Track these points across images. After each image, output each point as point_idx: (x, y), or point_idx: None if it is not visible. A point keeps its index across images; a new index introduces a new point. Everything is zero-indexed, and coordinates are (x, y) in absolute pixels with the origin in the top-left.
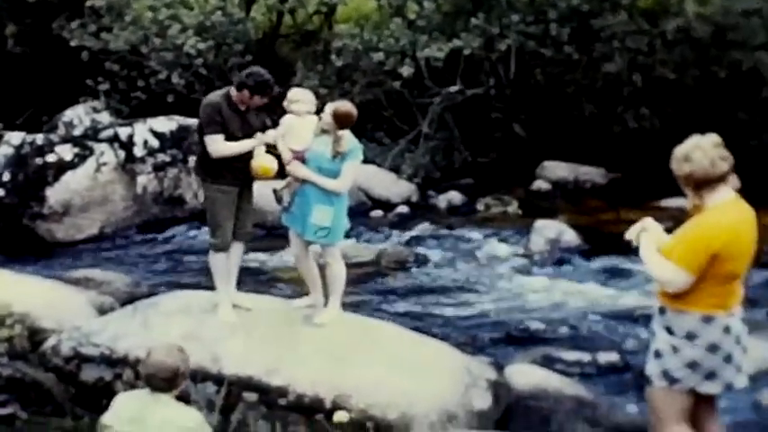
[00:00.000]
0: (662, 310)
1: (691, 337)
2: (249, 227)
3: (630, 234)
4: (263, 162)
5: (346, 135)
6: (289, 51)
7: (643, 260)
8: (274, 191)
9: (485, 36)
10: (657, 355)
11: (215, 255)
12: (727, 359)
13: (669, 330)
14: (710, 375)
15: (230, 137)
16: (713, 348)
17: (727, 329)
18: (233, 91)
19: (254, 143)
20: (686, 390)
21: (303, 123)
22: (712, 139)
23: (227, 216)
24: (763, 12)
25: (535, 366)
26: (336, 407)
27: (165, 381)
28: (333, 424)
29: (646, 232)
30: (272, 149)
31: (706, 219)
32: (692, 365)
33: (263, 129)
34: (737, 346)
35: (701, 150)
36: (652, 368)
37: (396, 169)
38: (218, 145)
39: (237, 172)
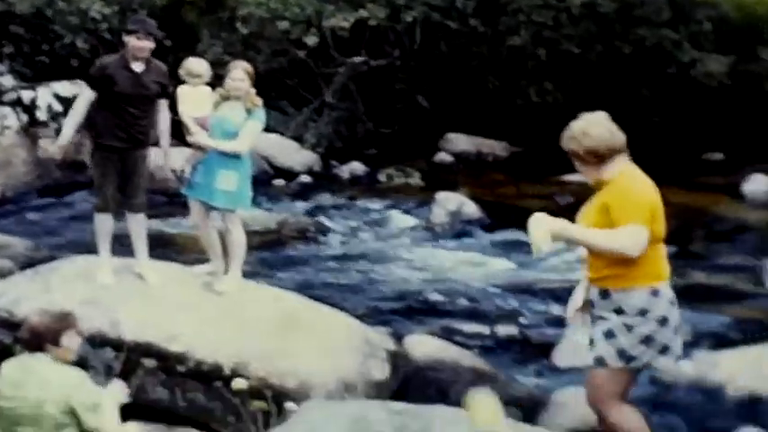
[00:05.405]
0: (604, 294)
1: (643, 312)
2: (140, 197)
3: (541, 243)
4: None
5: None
6: (194, 18)
7: (583, 243)
8: (174, 173)
9: (390, 7)
10: (610, 335)
11: (96, 215)
12: (675, 331)
13: (619, 311)
14: (664, 349)
15: (120, 95)
16: (663, 321)
17: (672, 302)
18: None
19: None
20: (640, 367)
21: (198, 92)
22: (602, 114)
23: (107, 178)
24: None
25: (434, 338)
26: (235, 374)
27: (28, 341)
28: (232, 391)
29: (556, 224)
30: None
31: (632, 181)
32: (647, 341)
33: (159, 94)
34: (678, 317)
35: (597, 124)
36: (605, 349)
37: (299, 138)
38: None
39: (118, 138)
